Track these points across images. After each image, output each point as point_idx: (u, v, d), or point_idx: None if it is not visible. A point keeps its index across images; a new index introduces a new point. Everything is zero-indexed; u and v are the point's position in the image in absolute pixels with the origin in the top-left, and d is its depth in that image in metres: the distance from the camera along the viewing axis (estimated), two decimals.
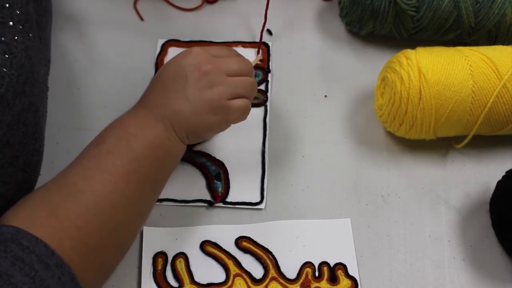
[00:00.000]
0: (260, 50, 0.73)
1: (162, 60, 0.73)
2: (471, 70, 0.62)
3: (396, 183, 0.65)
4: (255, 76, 0.71)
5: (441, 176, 0.66)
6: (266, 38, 0.75)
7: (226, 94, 0.57)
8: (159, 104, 0.56)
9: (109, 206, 0.50)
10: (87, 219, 0.49)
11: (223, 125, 0.59)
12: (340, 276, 0.59)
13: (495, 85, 0.62)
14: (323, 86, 0.72)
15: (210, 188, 0.64)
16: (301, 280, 0.59)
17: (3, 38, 0.48)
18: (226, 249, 0.60)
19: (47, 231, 0.47)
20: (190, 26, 0.76)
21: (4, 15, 0.49)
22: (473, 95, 0.62)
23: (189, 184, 0.64)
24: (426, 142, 0.66)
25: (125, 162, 0.52)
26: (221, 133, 0.61)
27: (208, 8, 0.78)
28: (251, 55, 0.73)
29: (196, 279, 0.59)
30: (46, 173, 0.54)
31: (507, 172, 0.62)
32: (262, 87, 0.71)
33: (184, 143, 0.57)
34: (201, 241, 0.61)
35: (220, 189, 0.64)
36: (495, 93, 0.62)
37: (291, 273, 0.59)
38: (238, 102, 0.58)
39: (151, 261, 0.59)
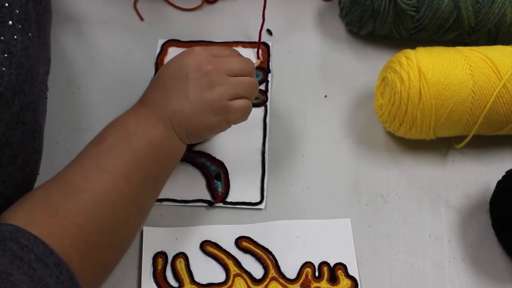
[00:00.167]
0: (260, 52, 0.73)
1: (162, 60, 0.73)
2: (471, 70, 0.62)
3: (396, 183, 0.65)
4: (255, 76, 0.71)
5: (441, 176, 0.66)
6: (266, 38, 0.75)
7: (227, 94, 0.57)
8: (160, 103, 0.56)
9: (109, 205, 0.50)
10: (87, 218, 0.49)
11: (224, 126, 0.59)
12: (340, 276, 0.59)
13: (495, 85, 0.62)
14: (323, 86, 0.72)
15: (210, 188, 0.64)
16: (301, 280, 0.59)
17: (2, 37, 0.48)
18: (226, 249, 0.60)
19: (46, 230, 0.47)
20: (190, 26, 0.76)
21: (3, 14, 0.49)
22: (473, 95, 0.62)
23: (189, 184, 0.64)
24: (426, 142, 0.66)
25: (125, 161, 0.52)
26: (221, 133, 0.61)
27: (208, 8, 0.78)
28: (251, 55, 0.73)
29: (196, 279, 0.59)
30: (46, 173, 0.54)
31: (507, 172, 0.62)
32: (262, 87, 0.71)
33: (185, 143, 0.57)
34: (201, 241, 0.61)
35: (220, 189, 0.64)
36: (495, 93, 0.62)
37: (291, 273, 0.59)
38: (239, 102, 0.58)
39: (151, 261, 0.59)
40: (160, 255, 0.60)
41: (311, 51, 0.75)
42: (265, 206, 0.63)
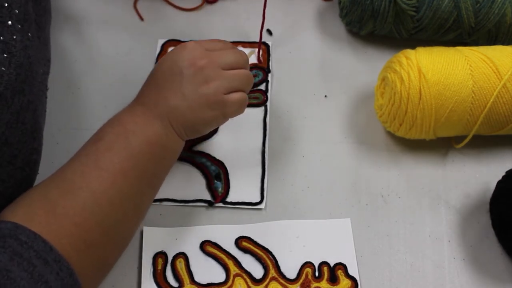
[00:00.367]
0: (260, 52, 0.73)
1: None
2: (471, 70, 0.62)
3: (396, 183, 0.65)
4: (255, 76, 0.71)
5: (441, 176, 0.66)
6: (266, 38, 0.75)
7: (222, 88, 0.57)
8: (156, 101, 0.56)
9: (107, 202, 0.50)
10: (85, 216, 0.49)
11: (221, 120, 0.59)
12: (340, 276, 0.59)
13: (495, 85, 0.62)
14: (323, 86, 0.72)
15: (210, 188, 0.64)
16: (301, 280, 0.59)
17: (1, 38, 0.48)
18: (226, 249, 0.60)
19: (45, 228, 0.47)
20: (190, 26, 0.76)
21: (3, 14, 0.49)
22: (473, 95, 0.62)
23: (189, 184, 0.64)
24: (426, 142, 0.66)
25: (123, 158, 0.52)
26: (221, 133, 0.61)
27: (208, 8, 0.78)
28: (247, 52, 0.73)
29: (196, 279, 0.59)
30: (46, 172, 0.54)
31: (507, 172, 0.62)
32: (262, 87, 0.71)
33: (183, 139, 0.57)
34: (201, 241, 0.61)
35: (220, 189, 0.64)
36: (495, 93, 0.61)
37: (291, 273, 0.59)
38: (235, 96, 0.58)
39: (151, 261, 0.59)
40: (160, 255, 0.60)
41: (311, 51, 0.75)
42: (265, 206, 0.63)
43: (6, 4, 0.49)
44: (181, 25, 0.76)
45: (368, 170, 0.66)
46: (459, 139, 0.66)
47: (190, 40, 0.74)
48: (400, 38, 0.73)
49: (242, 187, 0.64)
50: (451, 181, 0.65)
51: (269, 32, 0.76)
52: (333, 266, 0.60)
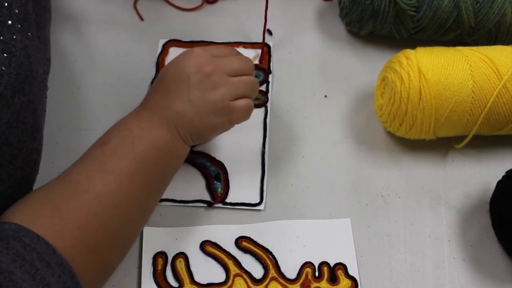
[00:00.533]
0: (260, 51, 0.73)
1: (163, 60, 0.73)
2: (471, 70, 0.62)
3: (396, 183, 0.65)
4: (256, 77, 0.71)
5: (441, 176, 0.66)
6: (266, 38, 0.75)
7: (229, 95, 0.57)
8: (162, 106, 0.56)
9: (112, 206, 0.50)
10: (89, 219, 0.49)
11: (227, 126, 0.59)
12: (340, 276, 0.59)
13: (495, 85, 0.62)
14: (323, 86, 0.72)
15: (210, 188, 0.64)
16: (301, 280, 0.59)
17: (1, 37, 0.48)
18: (226, 249, 0.60)
19: (49, 230, 0.47)
20: (190, 26, 0.76)
21: (3, 14, 0.49)
22: (473, 95, 0.62)
23: (189, 184, 0.64)
24: (426, 142, 0.66)
25: (128, 163, 0.52)
26: (222, 134, 0.61)
27: (208, 8, 0.78)
28: (252, 56, 0.73)
29: (196, 279, 0.59)
30: (46, 172, 0.54)
31: (507, 172, 0.62)
32: (263, 88, 0.71)
33: (188, 145, 0.57)
34: (201, 241, 0.61)
35: (219, 190, 0.64)
36: (495, 93, 0.61)
37: (291, 273, 0.59)
38: (241, 102, 0.58)
39: (151, 261, 0.59)
40: (160, 255, 0.60)
41: (311, 51, 0.75)
42: (265, 207, 0.63)
43: (6, 4, 0.49)
44: (181, 25, 0.76)
45: (368, 170, 0.66)
46: (459, 139, 0.66)
47: (192, 41, 0.74)
48: (400, 38, 0.73)
49: (241, 188, 0.64)
50: (451, 181, 0.65)
51: (269, 32, 0.76)
52: (333, 266, 0.60)
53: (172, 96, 0.56)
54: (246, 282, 0.59)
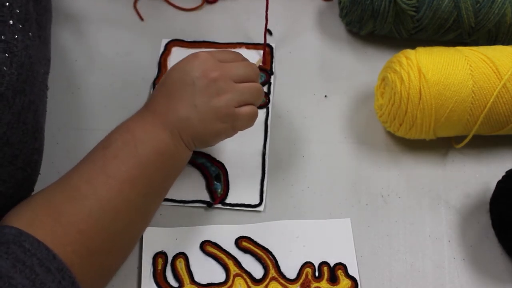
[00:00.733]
0: (261, 53, 0.73)
1: (165, 60, 0.73)
2: (471, 70, 0.62)
3: (396, 183, 0.65)
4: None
5: (441, 176, 0.66)
6: (266, 38, 0.75)
7: (234, 101, 0.57)
8: (166, 110, 0.55)
9: (113, 210, 0.50)
10: (90, 223, 0.49)
11: (231, 132, 0.59)
12: (340, 276, 0.59)
13: (495, 85, 0.62)
14: (323, 86, 0.72)
15: (210, 189, 0.64)
16: (301, 280, 0.59)
17: (3, 37, 0.48)
18: (226, 249, 0.60)
19: (49, 234, 0.46)
20: (190, 26, 0.76)
21: (4, 14, 0.49)
22: (473, 95, 0.62)
23: (189, 184, 0.64)
24: (426, 142, 0.66)
25: (130, 167, 0.52)
26: None
27: (208, 8, 0.78)
28: (254, 56, 0.73)
29: (196, 279, 0.59)
30: (46, 172, 0.54)
31: (507, 172, 0.62)
32: (265, 89, 0.71)
33: (191, 149, 0.57)
34: (201, 241, 0.61)
35: (219, 190, 0.64)
36: (495, 93, 0.62)
37: (291, 273, 0.59)
38: (246, 109, 0.58)
39: (151, 261, 0.59)
40: (160, 255, 0.60)
41: (311, 51, 0.75)
42: (264, 208, 0.63)
43: (7, 4, 0.49)
44: (181, 25, 0.76)
45: (368, 170, 0.66)
46: (459, 139, 0.66)
47: (194, 41, 0.74)
48: (400, 38, 0.73)
49: (241, 188, 0.64)
50: (451, 181, 0.65)
51: (269, 32, 0.76)
52: (333, 266, 0.60)
53: (176, 100, 0.55)
54: (246, 282, 0.59)
